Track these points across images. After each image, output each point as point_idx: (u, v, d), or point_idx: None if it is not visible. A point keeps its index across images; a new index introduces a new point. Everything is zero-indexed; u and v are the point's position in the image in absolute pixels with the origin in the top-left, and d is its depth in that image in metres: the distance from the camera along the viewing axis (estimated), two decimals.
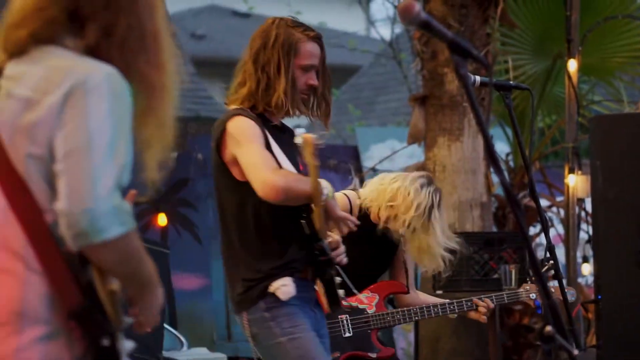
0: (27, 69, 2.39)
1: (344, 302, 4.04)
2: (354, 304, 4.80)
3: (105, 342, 2.31)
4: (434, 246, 4.83)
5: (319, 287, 4.03)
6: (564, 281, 5.29)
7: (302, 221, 3.88)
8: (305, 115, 4.09)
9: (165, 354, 6.41)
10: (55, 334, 2.33)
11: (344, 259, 4.00)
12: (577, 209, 6.87)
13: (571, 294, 5.10)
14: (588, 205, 6.70)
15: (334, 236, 4.00)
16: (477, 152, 7.10)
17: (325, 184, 3.81)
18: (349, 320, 4.81)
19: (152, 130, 2.46)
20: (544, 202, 7.92)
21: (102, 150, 2.27)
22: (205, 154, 8.25)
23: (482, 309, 5.01)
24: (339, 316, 4.78)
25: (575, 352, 2.45)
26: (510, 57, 7.62)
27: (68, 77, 2.32)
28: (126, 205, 2.31)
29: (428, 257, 4.86)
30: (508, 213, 7.71)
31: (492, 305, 5.04)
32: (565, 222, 7.08)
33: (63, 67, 2.35)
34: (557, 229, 8.34)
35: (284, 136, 4.04)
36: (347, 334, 4.80)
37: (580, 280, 7.89)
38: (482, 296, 5.06)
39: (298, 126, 3.96)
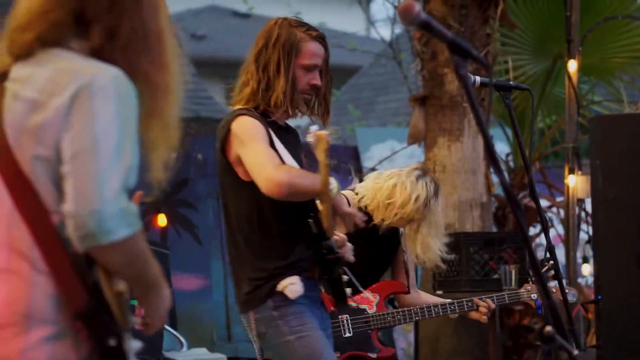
0: (33, 71, 2.40)
1: (350, 301, 4.06)
2: (354, 304, 4.80)
3: (112, 342, 2.33)
4: (433, 237, 4.84)
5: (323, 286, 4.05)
6: (565, 281, 5.29)
7: (309, 220, 3.89)
8: (305, 115, 4.09)
9: (165, 354, 6.41)
10: (62, 335, 2.34)
11: (351, 257, 4.01)
12: (577, 209, 6.87)
13: (572, 295, 5.10)
14: (588, 206, 6.70)
15: (340, 235, 4.01)
16: (477, 152, 7.10)
17: (331, 180, 3.81)
18: (349, 321, 4.81)
19: (157, 131, 2.48)
20: (544, 203, 7.91)
21: (109, 153, 2.29)
22: (205, 155, 8.25)
23: (482, 309, 5.01)
24: (340, 316, 4.79)
25: (575, 352, 2.45)
26: (510, 57, 7.63)
27: (74, 80, 2.33)
28: (133, 206, 2.32)
29: (428, 250, 4.87)
30: (508, 213, 7.72)
31: (493, 306, 5.04)
32: (565, 222, 7.09)
33: (69, 69, 2.37)
34: (557, 229, 8.34)
35: (289, 136, 4.04)
36: (347, 334, 4.80)
37: (580, 280, 7.89)
38: (483, 296, 5.07)
39: (311, 124, 3.94)
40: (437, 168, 7.02)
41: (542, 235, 5.66)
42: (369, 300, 4.88)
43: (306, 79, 3.99)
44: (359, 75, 18.06)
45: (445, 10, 7.05)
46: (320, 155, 3.66)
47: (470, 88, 2.36)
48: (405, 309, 4.97)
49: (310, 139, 3.70)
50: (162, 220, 8.12)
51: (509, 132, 8.18)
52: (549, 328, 2.31)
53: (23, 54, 2.43)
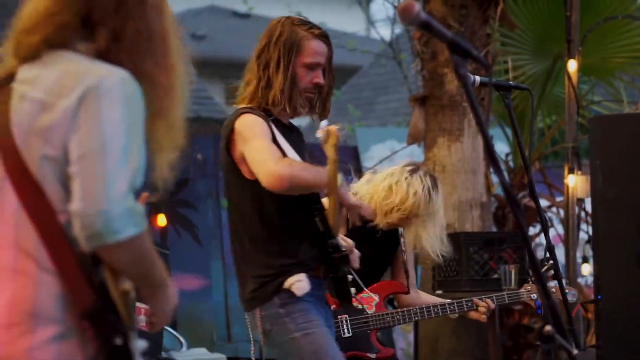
0: (40, 73, 2.41)
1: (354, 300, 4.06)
2: (354, 304, 4.80)
3: (118, 341, 2.34)
4: (434, 230, 4.85)
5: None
6: (564, 281, 5.29)
7: (315, 219, 3.88)
8: (304, 114, 4.08)
9: (164, 354, 6.40)
10: (68, 334, 2.35)
11: (357, 264, 4.00)
12: (577, 209, 6.87)
13: (572, 294, 5.10)
14: (588, 206, 6.70)
15: (347, 240, 4.00)
16: (477, 152, 7.11)
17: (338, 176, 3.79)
18: (348, 321, 4.81)
19: (163, 132, 2.50)
20: (543, 203, 7.92)
21: (116, 154, 2.30)
22: (205, 155, 8.25)
23: (482, 309, 5.01)
24: (339, 316, 4.78)
25: (575, 352, 2.45)
26: (510, 57, 7.63)
27: (81, 82, 2.35)
28: (139, 207, 2.34)
29: (428, 244, 4.87)
30: (508, 213, 7.72)
31: (492, 306, 5.04)
32: (565, 222, 7.09)
33: (76, 71, 2.38)
34: (556, 229, 8.34)
35: (292, 135, 4.04)
36: (347, 334, 4.80)
37: (580, 280, 7.89)
38: (483, 296, 5.07)
39: (312, 124, 3.93)
40: (437, 168, 7.02)
41: (542, 235, 5.66)
42: (368, 300, 4.88)
43: (309, 78, 3.98)
44: (359, 75, 18.07)
45: (445, 10, 7.05)
46: (330, 150, 3.61)
47: (470, 88, 2.36)
48: (405, 309, 4.97)
49: (319, 134, 3.67)
50: (162, 220, 8.11)
51: (509, 132, 8.18)
52: (548, 328, 2.31)
53: (29, 56, 2.45)
